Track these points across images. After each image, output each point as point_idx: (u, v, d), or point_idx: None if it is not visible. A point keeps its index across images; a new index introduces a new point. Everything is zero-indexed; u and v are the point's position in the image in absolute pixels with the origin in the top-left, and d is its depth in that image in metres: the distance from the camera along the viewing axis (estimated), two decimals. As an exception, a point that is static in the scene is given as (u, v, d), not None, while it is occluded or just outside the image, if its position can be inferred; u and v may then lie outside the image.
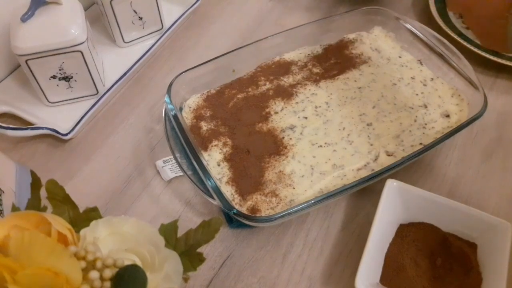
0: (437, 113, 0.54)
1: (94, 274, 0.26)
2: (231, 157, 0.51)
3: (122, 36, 0.64)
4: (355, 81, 0.59)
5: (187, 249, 0.35)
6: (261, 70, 0.60)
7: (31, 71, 0.54)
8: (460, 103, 0.55)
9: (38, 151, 0.56)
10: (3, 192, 0.44)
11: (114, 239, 0.31)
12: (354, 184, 0.46)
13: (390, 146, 0.52)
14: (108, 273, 0.27)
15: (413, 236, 0.45)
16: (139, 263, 0.29)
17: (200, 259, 0.35)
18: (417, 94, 0.57)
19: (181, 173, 0.50)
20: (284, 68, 0.60)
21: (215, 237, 0.35)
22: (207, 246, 0.47)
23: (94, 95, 0.59)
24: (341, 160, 0.51)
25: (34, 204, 0.35)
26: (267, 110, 0.56)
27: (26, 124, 0.56)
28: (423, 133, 0.53)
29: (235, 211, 0.44)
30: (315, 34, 0.62)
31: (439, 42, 0.58)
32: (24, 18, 0.51)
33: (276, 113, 0.56)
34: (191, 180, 0.48)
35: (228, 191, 0.49)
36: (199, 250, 0.35)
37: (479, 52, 0.61)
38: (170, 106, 0.52)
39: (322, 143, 0.52)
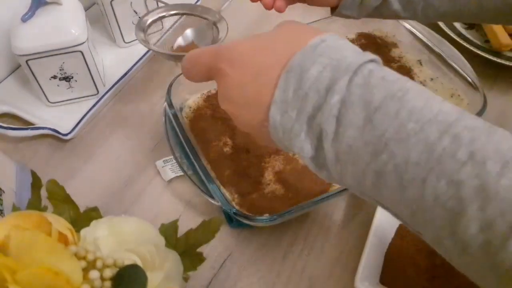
0: (437, 113, 0.54)
1: (94, 274, 0.26)
2: (231, 157, 0.51)
3: (122, 36, 0.64)
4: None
5: (187, 249, 0.35)
6: (261, 70, 0.60)
7: (31, 71, 0.54)
8: (459, 103, 0.55)
9: (38, 151, 0.56)
10: (4, 192, 0.44)
11: (114, 239, 0.31)
12: (354, 184, 0.46)
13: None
14: (108, 273, 0.27)
15: (413, 236, 0.45)
16: (139, 263, 0.29)
17: (200, 259, 0.35)
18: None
19: (181, 173, 0.50)
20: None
21: (215, 237, 0.35)
22: (207, 246, 0.47)
23: (94, 95, 0.59)
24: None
25: (34, 204, 0.35)
26: (267, 110, 0.56)
27: (26, 124, 0.56)
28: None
29: (235, 211, 0.44)
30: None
31: (439, 42, 0.58)
32: (25, 18, 0.51)
33: (276, 113, 0.55)
34: (191, 180, 0.48)
35: (228, 191, 0.49)
36: (199, 250, 0.35)
37: (479, 52, 0.61)
38: (170, 106, 0.52)
39: (322, 143, 0.52)
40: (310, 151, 0.28)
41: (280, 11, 0.52)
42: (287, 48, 0.29)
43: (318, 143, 0.28)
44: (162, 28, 0.61)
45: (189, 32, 0.55)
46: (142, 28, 0.53)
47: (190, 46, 0.54)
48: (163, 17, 0.55)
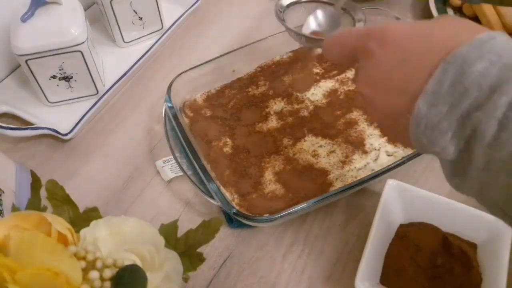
0: (437, 113, 0.54)
1: (94, 274, 0.26)
2: (231, 157, 0.51)
3: (122, 36, 0.64)
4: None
5: (187, 249, 0.35)
6: (261, 70, 0.60)
7: (31, 71, 0.54)
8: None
9: (38, 151, 0.56)
10: (3, 192, 0.44)
11: (114, 239, 0.31)
12: (354, 184, 0.46)
13: (390, 146, 0.52)
14: (108, 273, 0.27)
15: (413, 236, 0.45)
16: (139, 263, 0.29)
17: (200, 259, 0.35)
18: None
19: (181, 173, 0.50)
20: (284, 68, 0.60)
21: (215, 237, 0.35)
22: (207, 246, 0.47)
23: (94, 95, 0.59)
24: (341, 160, 0.51)
25: (34, 204, 0.35)
26: (267, 110, 0.56)
27: (26, 124, 0.56)
28: (423, 133, 0.53)
29: (235, 211, 0.44)
30: (315, 34, 0.62)
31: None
32: (24, 18, 0.51)
33: (276, 113, 0.56)
34: (191, 180, 0.48)
35: (228, 191, 0.49)
36: (199, 250, 0.35)
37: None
38: (170, 106, 0.52)
39: (322, 143, 0.52)
40: (453, 153, 0.26)
41: None
42: (448, 38, 0.27)
43: (465, 146, 0.26)
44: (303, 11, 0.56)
45: (319, 15, 0.52)
46: (280, 7, 0.51)
47: (319, 33, 0.52)
48: (300, 1, 0.53)
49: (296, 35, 0.49)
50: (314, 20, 0.51)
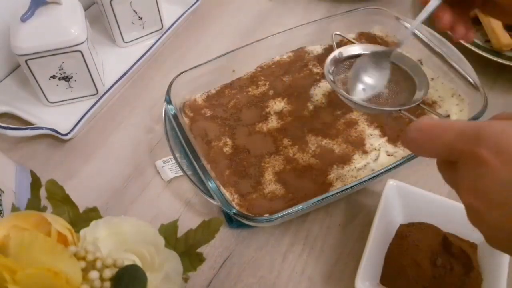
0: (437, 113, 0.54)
1: (94, 274, 0.26)
2: (231, 157, 0.51)
3: (122, 36, 0.63)
4: (355, 81, 0.58)
5: (187, 249, 0.35)
6: (261, 70, 0.60)
7: (31, 71, 0.54)
8: (460, 103, 0.55)
9: (38, 151, 0.56)
10: (3, 192, 0.44)
11: (114, 239, 0.31)
12: (354, 184, 0.46)
13: (390, 146, 0.52)
14: (108, 273, 0.27)
15: (413, 236, 0.45)
16: (139, 263, 0.29)
17: (200, 259, 0.35)
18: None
19: (181, 173, 0.50)
20: (284, 68, 0.60)
21: (215, 237, 0.35)
22: (207, 246, 0.47)
23: (94, 95, 0.59)
24: (341, 160, 0.51)
25: (34, 204, 0.35)
26: (267, 110, 0.56)
27: (26, 124, 0.56)
28: (423, 133, 0.53)
29: (235, 211, 0.44)
30: (315, 34, 0.62)
31: (439, 42, 0.58)
32: (24, 18, 0.51)
33: (276, 113, 0.56)
34: (191, 180, 0.48)
35: (228, 191, 0.48)
36: (199, 250, 0.35)
37: (480, 52, 0.61)
38: (170, 106, 0.52)
39: (322, 143, 0.52)
40: None
41: (470, 41, 0.47)
42: None
43: None
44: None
45: (372, 73, 0.48)
46: (329, 70, 0.48)
47: (377, 98, 0.48)
48: (352, 56, 0.50)
49: (353, 103, 0.46)
50: (361, 82, 0.48)
